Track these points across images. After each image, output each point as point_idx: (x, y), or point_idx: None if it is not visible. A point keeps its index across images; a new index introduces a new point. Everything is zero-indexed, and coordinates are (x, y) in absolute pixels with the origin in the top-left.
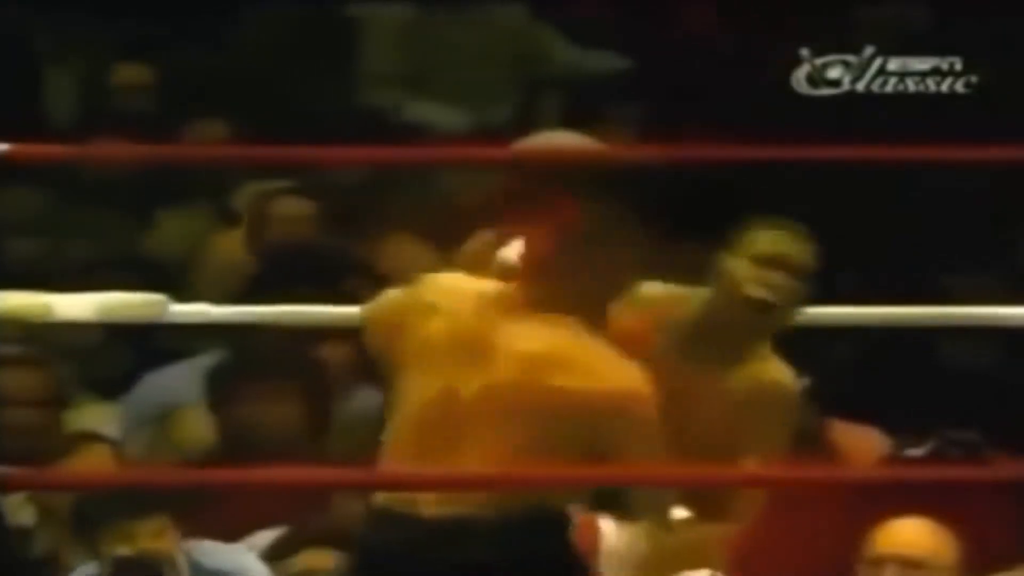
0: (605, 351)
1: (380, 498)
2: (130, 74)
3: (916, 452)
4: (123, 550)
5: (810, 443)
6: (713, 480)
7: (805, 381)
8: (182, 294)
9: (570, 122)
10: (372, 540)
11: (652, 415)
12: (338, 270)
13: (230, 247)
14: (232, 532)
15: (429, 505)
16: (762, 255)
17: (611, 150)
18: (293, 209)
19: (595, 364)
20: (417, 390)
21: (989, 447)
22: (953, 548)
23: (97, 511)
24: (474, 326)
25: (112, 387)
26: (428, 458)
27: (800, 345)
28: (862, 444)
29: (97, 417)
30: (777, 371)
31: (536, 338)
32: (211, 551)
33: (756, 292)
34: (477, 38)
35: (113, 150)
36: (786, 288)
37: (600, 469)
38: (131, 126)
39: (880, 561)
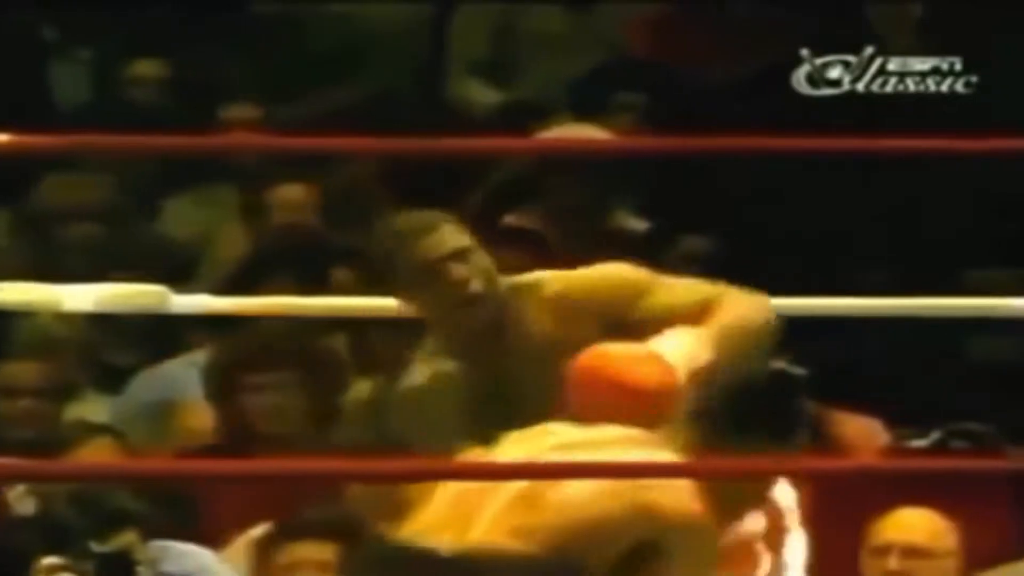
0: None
1: (396, 535)
2: (144, 68)
3: (919, 443)
4: (98, 547)
5: (810, 433)
6: (712, 471)
7: (803, 372)
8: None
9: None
10: None
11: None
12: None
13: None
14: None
15: (448, 539)
16: (438, 258)
17: (622, 142)
18: (293, 196)
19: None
20: None
21: (997, 439)
22: (955, 536)
23: (66, 522)
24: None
25: (116, 379)
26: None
27: (801, 336)
28: (863, 434)
29: (100, 410)
30: None
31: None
32: (176, 555)
33: (464, 290)
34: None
35: (115, 140)
36: (474, 278)
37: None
38: (144, 118)
39: (884, 549)
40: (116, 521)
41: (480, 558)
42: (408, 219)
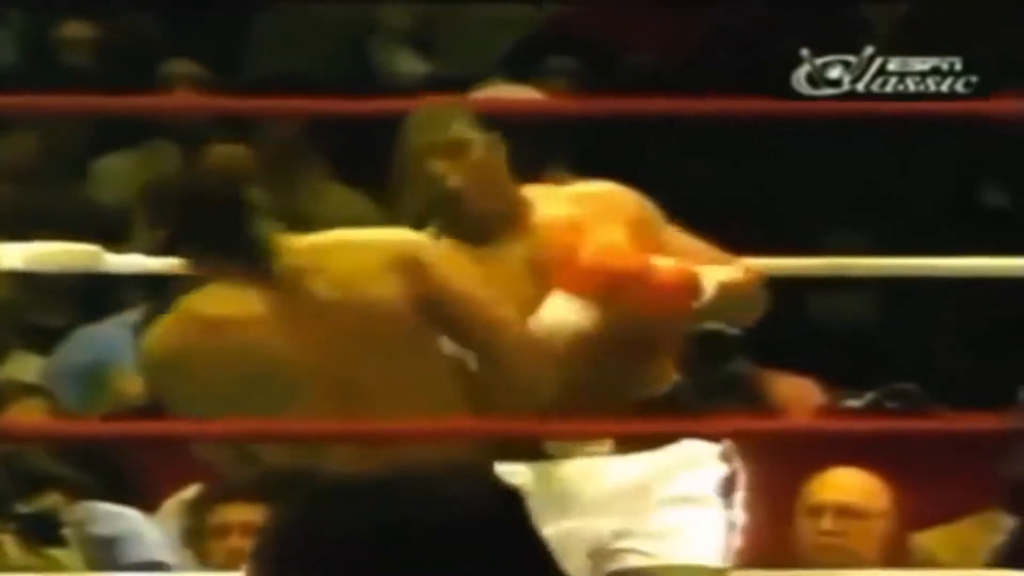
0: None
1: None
2: (74, 30)
3: (854, 403)
4: (23, 508)
5: (745, 394)
6: (644, 428)
7: (737, 332)
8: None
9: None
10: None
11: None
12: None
13: None
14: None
15: (350, 461)
16: (423, 150)
17: (556, 102)
18: (229, 156)
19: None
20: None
21: (928, 400)
22: (888, 496)
23: None
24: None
25: (46, 339)
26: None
27: None
28: (798, 394)
29: (30, 369)
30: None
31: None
32: (104, 516)
33: (439, 184)
34: None
35: (55, 100)
36: (455, 173)
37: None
38: (74, 80)
39: (818, 509)
40: (38, 483)
41: (400, 478)
42: (420, 109)
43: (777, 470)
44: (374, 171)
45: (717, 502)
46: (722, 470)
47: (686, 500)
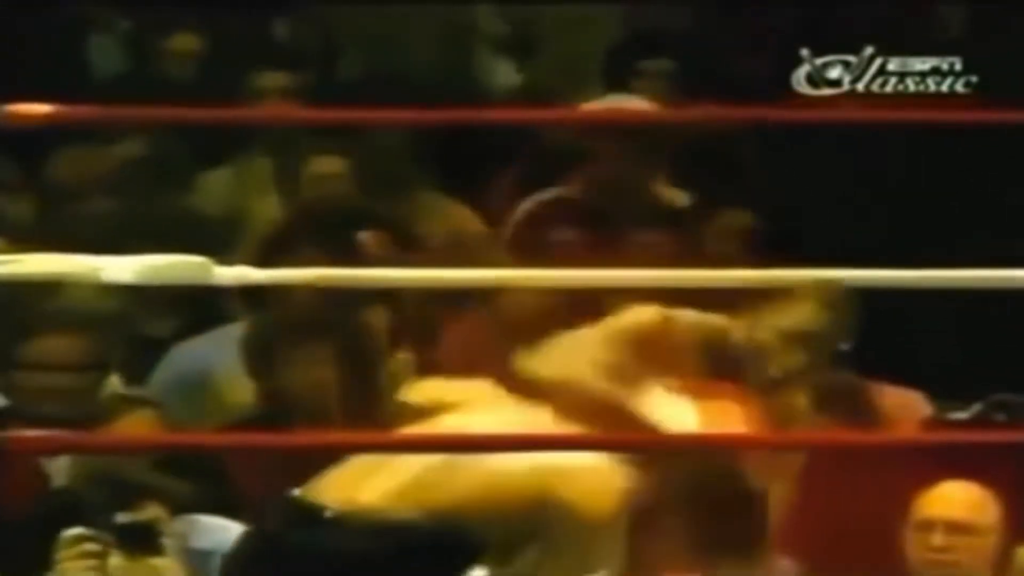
0: None
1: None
2: (181, 42)
3: (960, 416)
4: (123, 517)
5: (852, 406)
6: (755, 443)
7: (846, 344)
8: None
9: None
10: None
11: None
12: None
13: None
14: None
15: (339, 501)
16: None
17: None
18: (327, 168)
19: None
20: None
21: None
22: (997, 511)
23: (89, 495)
24: None
25: (154, 351)
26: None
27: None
28: (905, 407)
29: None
30: None
31: None
32: (204, 529)
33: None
34: None
35: (155, 113)
36: (786, 360)
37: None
38: (180, 93)
39: (928, 524)
40: (139, 494)
41: (365, 521)
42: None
43: (884, 483)
44: (465, 180)
45: None
46: None
47: None
